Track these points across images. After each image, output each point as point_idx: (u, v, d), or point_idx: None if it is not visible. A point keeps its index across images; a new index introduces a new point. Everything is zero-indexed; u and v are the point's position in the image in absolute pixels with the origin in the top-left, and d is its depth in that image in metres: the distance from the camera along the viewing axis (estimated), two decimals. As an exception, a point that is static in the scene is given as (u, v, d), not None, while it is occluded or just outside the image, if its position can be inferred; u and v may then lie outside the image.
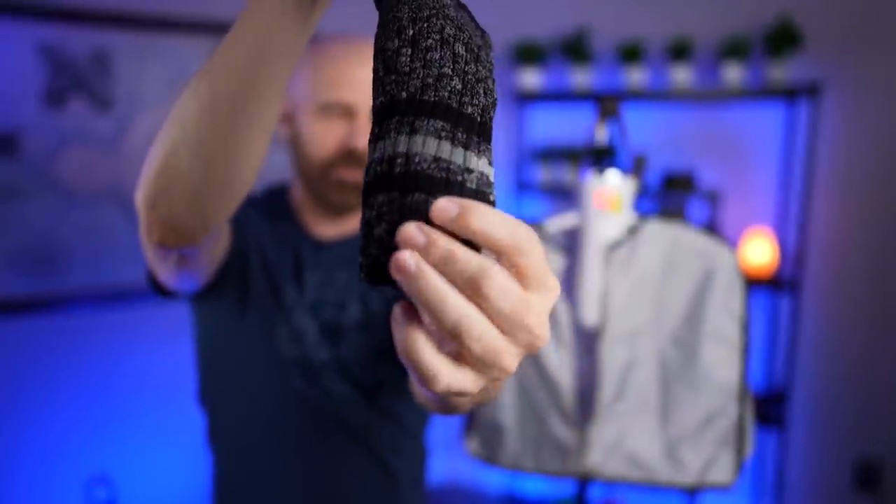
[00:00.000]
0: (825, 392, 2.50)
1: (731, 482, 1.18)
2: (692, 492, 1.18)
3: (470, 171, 0.32)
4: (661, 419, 1.21)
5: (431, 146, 0.31)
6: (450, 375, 0.29)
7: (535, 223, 1.25)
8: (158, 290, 0.81)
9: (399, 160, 0.31)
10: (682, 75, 2.35)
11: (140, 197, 0.57)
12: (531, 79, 2.54)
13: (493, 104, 0.36)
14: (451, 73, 0.34)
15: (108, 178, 2.19)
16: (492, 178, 0.33)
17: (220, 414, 0.95)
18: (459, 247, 0.28)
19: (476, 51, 0.36)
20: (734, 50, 2.27)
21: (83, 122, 2.12)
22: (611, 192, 1.15)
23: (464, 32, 0.36)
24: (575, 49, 2.44)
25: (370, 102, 0.83)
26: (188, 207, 0.55)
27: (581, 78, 2.47)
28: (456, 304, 0.27)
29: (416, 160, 0.31)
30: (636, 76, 2.39)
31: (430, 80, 0.33)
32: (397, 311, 0.30)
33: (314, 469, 0.93)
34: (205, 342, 0.95)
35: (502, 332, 0.29)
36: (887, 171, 2.33)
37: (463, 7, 0.39)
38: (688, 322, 1.20)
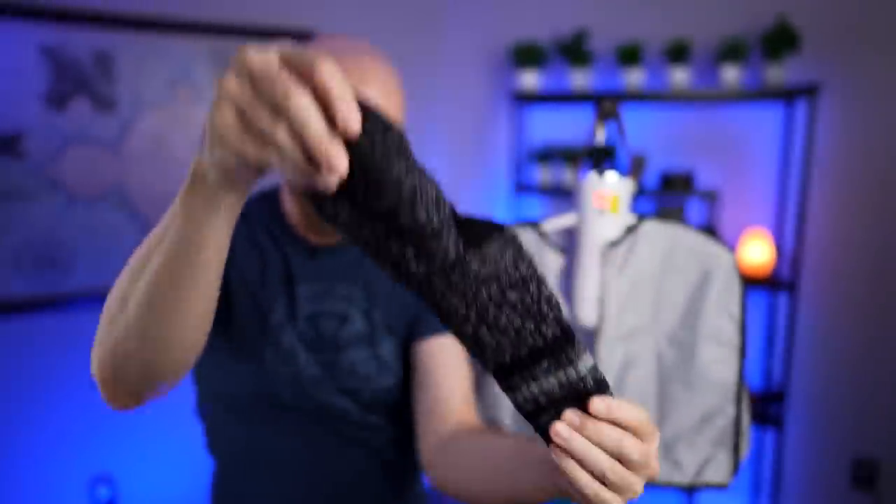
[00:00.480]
0: (822, 391, 2.51)
1: (728, 482, 1.19)
2: (689, 491, 1.20)
3: (595, 369, 0.48)
4: (658, 419, 1.22)
5: (589, 361, 0.48)
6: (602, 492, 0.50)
7: (533, 223, 1.26)
8: None
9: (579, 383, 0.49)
10: (680, 76, 2.36)
11: (95, 371, 0.60)
12: (530, 80, 2.56)
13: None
14: (554, 302, 0.48)
15: (111, 179, 2.20)
16: (596, 366, 0.49)
17: (215, 428, 0.95)
18: (605, 425, 0.49)
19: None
20: (732, 51, 2.28)
21: (86, 123, 2.14)
22: (609, 192, 1.17)
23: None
24: (574, 51, 2.46)
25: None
26: (141, 378, 0.58)
27: (580, 79, 2.49)
28: (602, 459, 0.49)
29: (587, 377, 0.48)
30: (635, 77, 2.41)
31: (558, 315, 0.47)
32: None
33: (312, 478, 0.93)
34: (198, 375, 0.94)
35: (634, 470, 0.50)
36: (884, 171, 2.34)
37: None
38: (685, 322, 1.21)
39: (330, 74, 0.39)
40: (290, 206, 0.91)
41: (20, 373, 2.14)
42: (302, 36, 2.47)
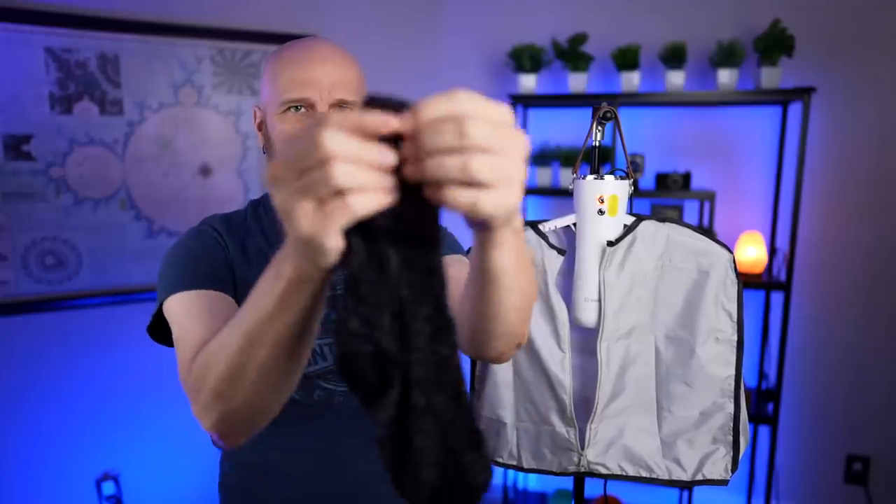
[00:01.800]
0: (815, 389, 2.55)
1: (728, 479, 1.20)
2: (687, 486, 1.22)
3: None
4: (658, 416, 1.23)
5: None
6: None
7: (533, 224, 1.28)
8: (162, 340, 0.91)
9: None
10: (676, 80, 2.39)
11: (213, 425, 0.67)
12: (529, 83, 2.59)
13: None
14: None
15: (117, 180, 2.23)
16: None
17: None
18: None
19: None
20: (727, 55, 2.32)
21: (92, 124, 2.16)
22: (607, 193, 1.19)
23: None
24: (572, 54, 2.49)
25: (325, 95, 0.87)
26: (260, 422, 0.68)
27: (578, 82, 2.52)
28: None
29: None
30: (632, 81, 2.44)
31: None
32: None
33: (335, 477, 0.96)
34: None
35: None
36: (876, 173, 2.38)
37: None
38: (684, 320, 1.21)
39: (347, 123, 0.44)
40: None
41: (27, 372, 2.16)
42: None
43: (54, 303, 2.16)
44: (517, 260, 0.61)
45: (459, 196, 0.44)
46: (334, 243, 0.44)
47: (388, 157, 0.44)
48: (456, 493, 0.48)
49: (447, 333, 0.47)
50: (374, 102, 0.44)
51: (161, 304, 0.87)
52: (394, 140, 0.44)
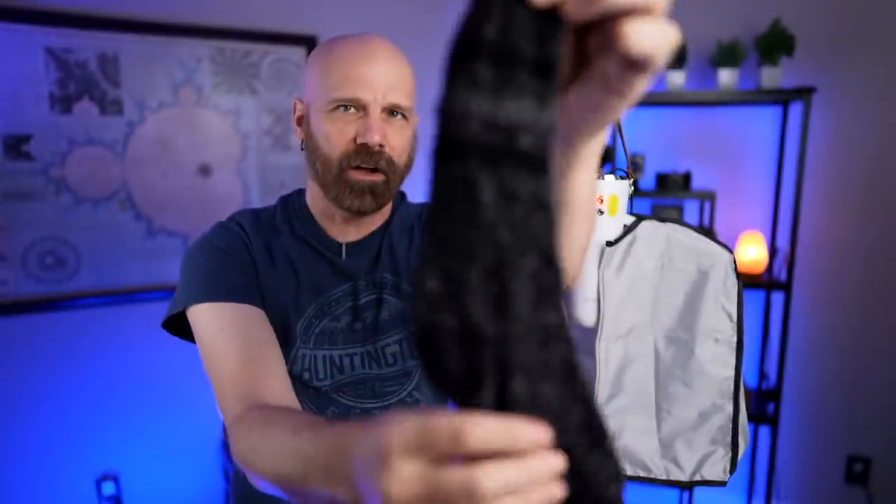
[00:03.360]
0: (816, 389, 2.55)
1: (726, 480, 1.20)
2: (685, 487, 1.22)
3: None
4: (657, 417, 1.23)
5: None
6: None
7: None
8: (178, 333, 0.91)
9: None
10: (677, 79, 2.39)
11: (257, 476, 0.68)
12: (529, 83, 2.58)
13: None
14: None
15: (116, 180, 2.23)
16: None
17: None
18: None
19: None
20: (728, 55, 2.32)
21: (91, 124, 2.16)
22: (607, 193, 1.19)
23: None
24: (572, 54, 2.49)
25: (379, 97, 0.83)
26: None
27: (578, 82, 2.52)
28: None
29: None
30: (632, 80, 2.43)
31: None
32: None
33: None
34: None
35: None
36: (876, 173, 2.38)
37: None
38: (683, 320, 1.21)
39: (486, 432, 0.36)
40: (319, 205, 0.95)
41: (26, 372, 2.16)
42: (305, 40, 2.50)
43: (54, 303, 2.16)
44: (593, 189, 0.57)
45: (645, 26, 0.34)
46: None
47: (551, 464, 0.35)
48: None
49: (556, 294, 0.35)
50: None
51: (185, 306, 0.86)
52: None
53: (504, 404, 0.35)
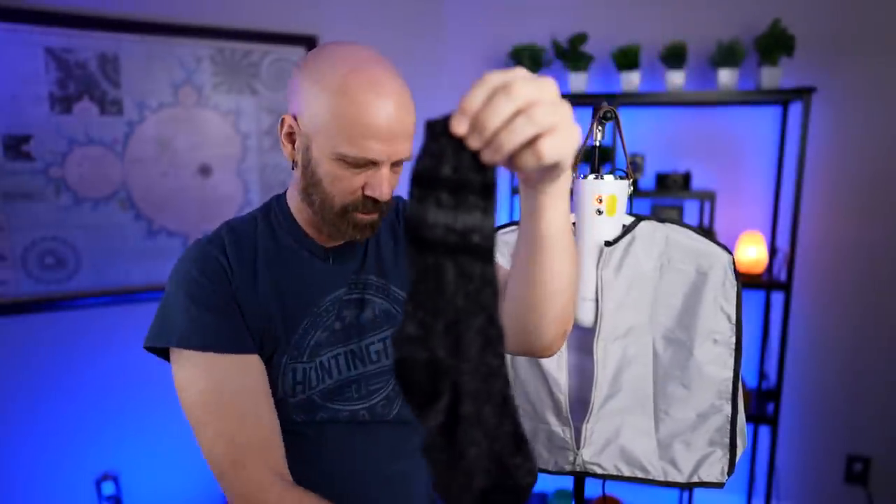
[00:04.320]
0: (815, 389, 2.55)
1: (724, 482, 1.20)
2: (683, 488, 1.22)
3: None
4: (655, 417, 1.23)
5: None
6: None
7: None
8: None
9: None
10: (676, 80, 2.39)
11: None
12: (529, 83, 2.58)
13: None
14: None
15: (116, 180, 2.23)
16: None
17: None
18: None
19: None
20: (728, 55, 2.32)
21: (91, 124, 2.16)
22: (606, 193, 1.19)
23: None
24: (572, 54, 2.49)
25: (391, 155, 0.82)
26: None
27: (578, 82, 2.52)
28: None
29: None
30: (632, 81, 2.44)
31: None
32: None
33: (331, 470, 0.95)
34: None
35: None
36: (876, 173, 2.38)
37: None
38: (682, 321, 1.21)
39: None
40: (307, 215, 0.94)
41: (26, 372, 2.17)
42: (304, 40, 2.50)
43: (54, 303, 2.17)
44: (567, 222, 0.66)
45: (540, 147, 0.49)
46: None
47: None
48: (502, 496, 0.50)
49: (497, 344, 0.49)
50: (435, 126, 0.49)
51: (166, 344, 0.87)
52: (460, 145, 0.48)
53: (455, 418, 0.48)
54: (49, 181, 2.12)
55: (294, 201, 0.95)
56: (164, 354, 0.91)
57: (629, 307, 1.20)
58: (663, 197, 2.48)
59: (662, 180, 2.47)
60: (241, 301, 0.89)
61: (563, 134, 0.50)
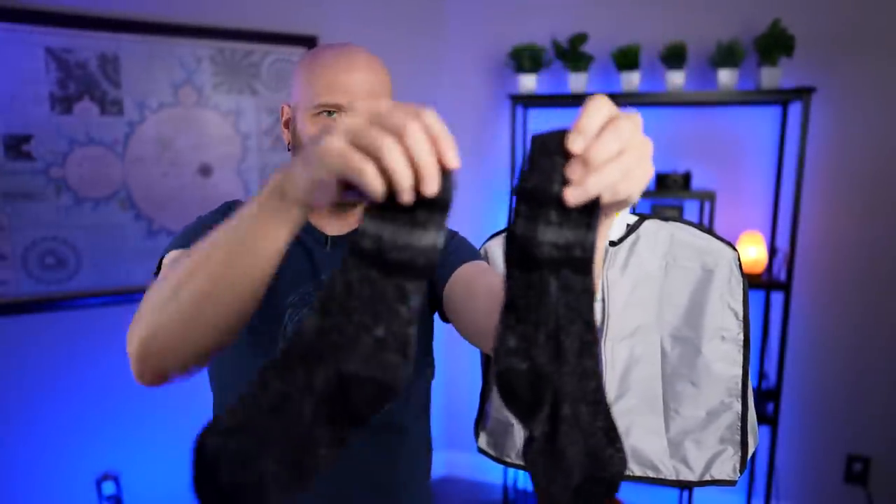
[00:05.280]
0: (816, 389, 2.55)
1: (736, 479, 1.19)
2: (695, 487, 1.21)
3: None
4: (665, 416, 1.23)
5: None
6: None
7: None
8: None
9: None
10: (676, 80, 2.40)
11: (133, 349, 0.66)
12: (529, 83, 2.59)
13: None
14: None
15: (116, 180, 2.22)
16: None
17: None
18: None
19: None
20: (728, 55, 2.32)
21: (92, 125, 2.16)
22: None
23: None
24: (572, 54, 2.49)
25: (368, 96, 0.89)
26: (176, 360, 0.66)
27: (578, 82, 2.52)
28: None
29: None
30: (632, 81, 2.44)
31: None
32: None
33: (326, 475, 0.95)
34: (215, 359, 0.96)
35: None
36: (877, 173, 2.39)
37: None
38: (689, 319, 1.20)
39: (434, 118, 0.48)
40: None
41: (27, 372, 2.16)
42: (305, 40, 2.49)
43: (54, 303, 2.16)
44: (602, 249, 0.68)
45: (623, 190, 0.49)
46: (328, 183, 0.49)
47: (454, 160, 0.48)
48: (596, 486, 0.52)
49: (593, 346, 0.51)
50: (548, 142, 0.49)
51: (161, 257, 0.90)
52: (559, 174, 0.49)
53: (554, 421, 0.50)
54: (49, 181, 2.11)
55: None
56: None
57: (635, 306, 1.20)
58: (663, 197, 2.49)
59: (662, 180, 2.47)
60: None
61: (645, 173, 0.50)
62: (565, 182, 0.48)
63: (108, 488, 2.29)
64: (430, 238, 0.48)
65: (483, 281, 0.88)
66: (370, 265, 0.48)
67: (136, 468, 2.36)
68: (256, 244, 0.57)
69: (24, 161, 2.07)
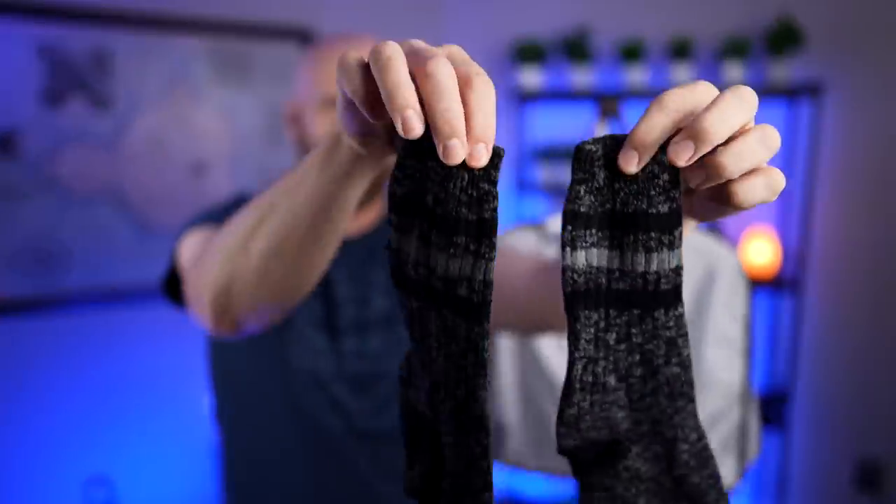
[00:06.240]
0: (827, 393, 2.50)
1: (733, 487, 1.17)
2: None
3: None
4: None
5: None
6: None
7: (535, 222, 1.24)
8: (175, 301, 0.86)
9: None
10: (682, 74, 2.34)
11: (207, 300, 0.62)
12: (532, 78, 2.54)
13: None
14: None
15: (108, 178, 2.19)
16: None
17: (234, 432, 0.95)
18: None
19: None
20: (735, 49, 2.26)
21: (82, 121, 2.12)
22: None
23: None
24: (575, 48, 2.44)
25: None
26: (252, 310, 0.62)
27: (582, 77, 2.47)
28: None
29: None
30: (637, 75, 2.38)
31: None
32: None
33: (325, 482, 0.93)
34: (218, 360, 0.95)
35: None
36: (889, 170, 2.32)
37: None
38: (691, 322, 1.19)
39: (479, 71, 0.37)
40: None
41: (16, 373, 2.13)
42: (301, 34, 2.45)
43: (45, 303, 2.12)
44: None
45: (760, 186, 0.36)
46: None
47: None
48: None
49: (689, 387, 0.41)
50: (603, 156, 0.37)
51: (175, 261, 0.84)
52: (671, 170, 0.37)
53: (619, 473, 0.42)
54: (40, 179, 2.08)
55: None
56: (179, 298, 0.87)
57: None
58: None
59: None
60: None
61: (778, 173, 0.37)
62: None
63: (100, 492, 2.26)
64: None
65: (510, 263, 0.81)
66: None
67: (129, 472, 2.34)
68: (328, 198, 0.51)
69: (12, 158, 2.03)
